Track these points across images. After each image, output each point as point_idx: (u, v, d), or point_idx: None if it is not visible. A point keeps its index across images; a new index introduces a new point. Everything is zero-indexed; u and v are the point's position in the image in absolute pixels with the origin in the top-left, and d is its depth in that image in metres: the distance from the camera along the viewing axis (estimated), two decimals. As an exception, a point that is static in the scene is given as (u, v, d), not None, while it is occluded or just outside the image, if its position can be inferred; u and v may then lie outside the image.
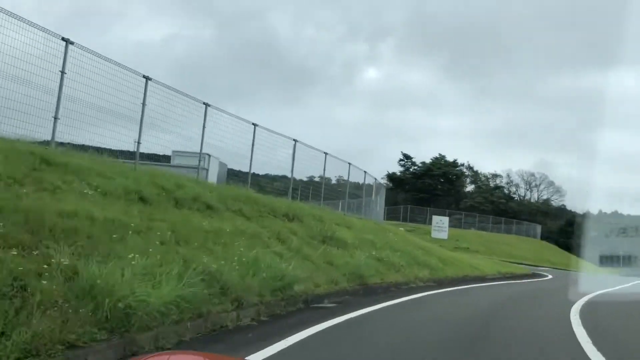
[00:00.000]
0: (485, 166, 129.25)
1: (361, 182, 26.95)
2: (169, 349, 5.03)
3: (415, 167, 79.66)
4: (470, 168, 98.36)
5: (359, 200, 26.98)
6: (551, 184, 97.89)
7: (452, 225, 57.72)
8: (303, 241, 12.14)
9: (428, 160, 79.44)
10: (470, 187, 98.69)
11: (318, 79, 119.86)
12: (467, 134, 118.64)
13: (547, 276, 27.42)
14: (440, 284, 16.48)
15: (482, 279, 20.83)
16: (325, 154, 21.20)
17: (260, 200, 13.51)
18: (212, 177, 16.24)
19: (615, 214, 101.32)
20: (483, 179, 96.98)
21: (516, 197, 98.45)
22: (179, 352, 2.72)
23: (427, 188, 77.29)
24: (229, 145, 16.23)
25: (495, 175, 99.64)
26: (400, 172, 79.70)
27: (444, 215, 57.94)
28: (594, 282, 22.81)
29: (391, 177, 78.84)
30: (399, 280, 14.10)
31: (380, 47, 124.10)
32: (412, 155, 79.86)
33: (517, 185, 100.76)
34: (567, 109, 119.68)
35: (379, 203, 31.74)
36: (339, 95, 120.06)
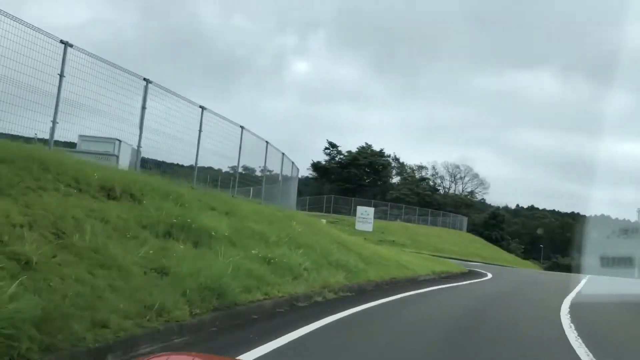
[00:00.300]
0: (411, 158, 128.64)
1: (279, 168, 22.17)
2: None
3: (341, 157, 75.49)
4: (396, 159, 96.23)
5: (276, 188, 22.10)
6: (475, 176, 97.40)
7: (377, 217, 53.89)
8: (116, 232, 6.81)
9: (354, 150, 75.53)
10: (396, 179, 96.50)
11: (246, 71, 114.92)
12: (394, 127, 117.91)
13: (486, 275, 23.50)
14: (359, 292, 11.65)
15: (414, 281, 16.29)
16: (242, 127, 17.00)
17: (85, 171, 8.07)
18: (124, 164, 14.23)
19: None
20: (409, 170, 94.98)
21: (441, 189, 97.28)
22: (176, 354, 2.38)
23: (353, 178, 73.40)
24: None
25: (421, 167, 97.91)
26: (326, 161, 75.28)
27: (369, 206, 53.97)
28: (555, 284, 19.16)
29: (316, 166, 74.23)
30: (297, 293, 9.07)
31: (310, 40, 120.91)
32: (338, 144, 75.64)
33: (442, 178, 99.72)
34: (489, 107, 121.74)
35: (293, 189, 26.69)
36: (266, 87, 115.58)
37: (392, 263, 17.31)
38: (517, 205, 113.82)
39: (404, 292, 12.84)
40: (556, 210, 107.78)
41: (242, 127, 17.03)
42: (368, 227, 48.07)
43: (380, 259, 16.86)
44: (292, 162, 25.83)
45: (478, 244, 59.68)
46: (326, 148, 75.26)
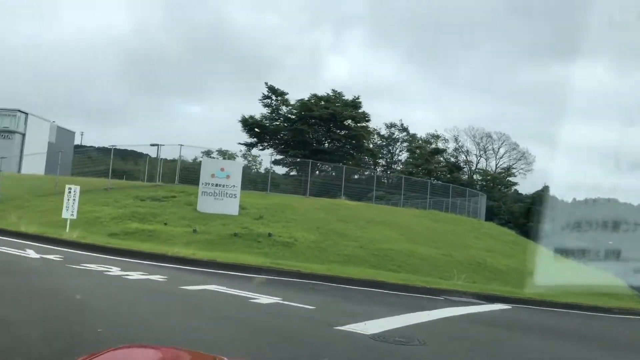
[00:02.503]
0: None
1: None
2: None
3: (289, 108, 47.73)
4: (404, 129, 67.54)
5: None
6: (514, 147, 67.43)
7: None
8: None
9: (307, 96, 47.59)
10: (404, 155, 68.05)
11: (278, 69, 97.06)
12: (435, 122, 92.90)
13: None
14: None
15: None
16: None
17: None
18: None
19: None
20: (419, 142, 66.27)
21: (464, 165, 67.74)
22: (133, 346, 2.16)
23: (305, 141, 45.69)
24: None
25: (435, 137, 68.83)
26: (263, 115, 47.68)
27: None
28: None
29: (247, 122, 46.64)
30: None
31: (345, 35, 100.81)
32: (282, 89, 47.78)
33: (467, 152, 70.15)
34: (535, 100, 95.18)
35: None
36: (299, 84, 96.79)
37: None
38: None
39: None
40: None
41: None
42: (228, 205, 20.38)
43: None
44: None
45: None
46: (265, 97, 47.52)
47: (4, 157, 23.86)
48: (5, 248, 12.20)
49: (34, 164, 42.30)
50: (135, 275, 10.12)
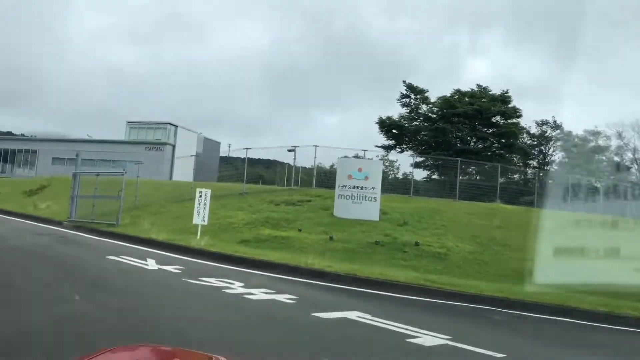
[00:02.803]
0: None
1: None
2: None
3: (428, 106, 44.44)
4: (557, 126, 60.62)
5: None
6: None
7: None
8: None
9: (448, 93, 43.88)
10: (558, 156, 60.93)
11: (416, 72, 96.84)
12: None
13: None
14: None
15: None
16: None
17: None
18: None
19: None
20: (576, 140, 58.77)
21: (633, 165, 58.64)
22: (127, 347, 2.03)
23: (446, 141, 42.09)
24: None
25: (595, 133, 60.46)
26: (402, 116, 44.90)
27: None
28: None
29: (384, 124, 44.21)
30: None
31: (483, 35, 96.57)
32: (422, 88, 44.61)
33: (635, 149, 60.60)
34: None
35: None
36: (437, 88, 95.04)
37: None
38: None
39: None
40: None
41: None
42: (367, 209, 18.15)
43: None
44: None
45: None
46: (403, 96, 44.83)
47: (139, 162, 23.99)
48: (127, 258, 11.04)
49: (184, 172, 44.11)
50: (258, 294, 8.11)
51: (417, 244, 15.37)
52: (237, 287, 8.51)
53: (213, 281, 8.90)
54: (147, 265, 10.25)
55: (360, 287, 9.94)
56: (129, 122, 63.51)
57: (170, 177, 47.95)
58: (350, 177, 18.56)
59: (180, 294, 7.88)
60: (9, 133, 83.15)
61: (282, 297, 7.93)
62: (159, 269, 9.93)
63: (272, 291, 8.40)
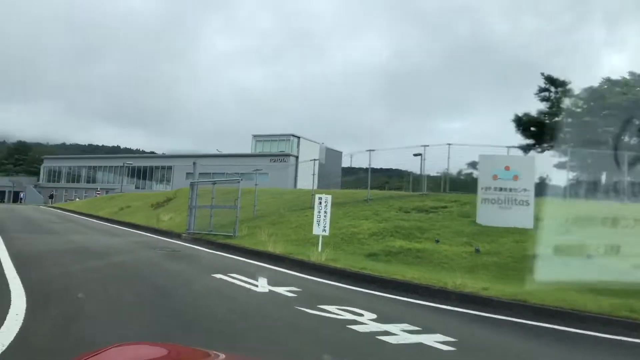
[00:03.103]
0: None
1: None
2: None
3: (571, 98, 39.01)
4: None
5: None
6: None
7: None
8: None
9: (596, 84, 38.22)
10: None
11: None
12: None
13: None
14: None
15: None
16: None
17: None
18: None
19: None
20: None
21: None
22: (140, 343, 2.11)
23: (599, 136, 36.46)
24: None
25: None
26: (541, 112, 39.94)
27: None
28: None
29: (521, 121, 39.62)
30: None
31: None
32: (564, 79, 39.38)
33: None
34: None
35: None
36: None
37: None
38: None
39: None
40: None
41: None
42: (517, 214, 15.02)
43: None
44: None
45: None
46: (542, 89, 39.98)
47: (258, 170, 22.79)
48: (235, 276, 9.27)
49: (308, 182, 43.52)
50: (398, 332, 5.74)
51: (588, 256, 11.95)
52: (367, 321, 6.21)
53: (335, 310, 6.70)
54: (256, 286, 8.35)
55: (531, 320, 7.11)
56: (254, 136, 65.26)
57: (295, 187, 47.68)
58: (495, 177, 15.51)
59: (290, 331, 5.75)
60: (152, 153, 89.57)
61: (433, 341, 5.46)
62: (269, 291, 7.97)
63: (416, 328, 5.97)
